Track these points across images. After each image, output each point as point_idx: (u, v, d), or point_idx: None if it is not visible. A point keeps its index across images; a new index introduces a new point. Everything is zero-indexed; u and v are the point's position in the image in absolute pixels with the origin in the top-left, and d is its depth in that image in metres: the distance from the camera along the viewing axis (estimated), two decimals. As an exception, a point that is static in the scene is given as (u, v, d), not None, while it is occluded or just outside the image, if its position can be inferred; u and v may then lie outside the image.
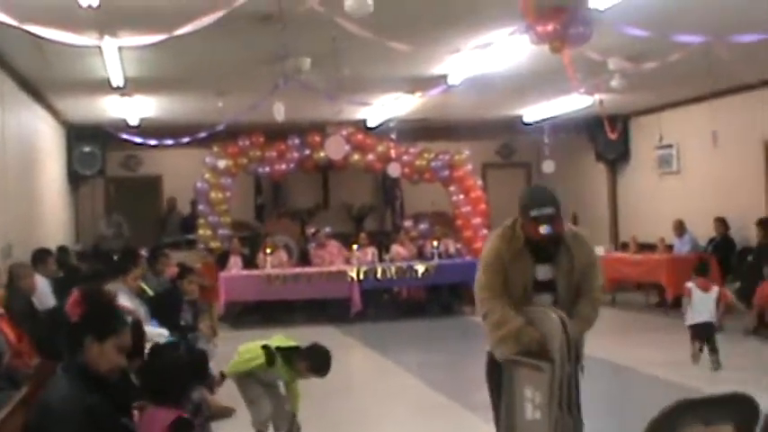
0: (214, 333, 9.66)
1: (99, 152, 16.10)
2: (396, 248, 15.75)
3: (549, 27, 8.11)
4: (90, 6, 7.05)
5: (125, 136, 14.86)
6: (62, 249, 12.16)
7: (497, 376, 4.84)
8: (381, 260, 15.52)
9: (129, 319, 4.26)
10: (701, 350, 9.36)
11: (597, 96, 13.05)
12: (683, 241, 14.69)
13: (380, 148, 16.40)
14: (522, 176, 19.67)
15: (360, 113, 15.32)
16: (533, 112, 16.47)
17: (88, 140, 15.94)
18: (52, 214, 14.04)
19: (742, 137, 14.06)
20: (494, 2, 8.29)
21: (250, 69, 10.95)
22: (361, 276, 14.55)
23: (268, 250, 14.93)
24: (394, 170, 16.37)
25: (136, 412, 3.89)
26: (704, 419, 2.96)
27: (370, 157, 16.38)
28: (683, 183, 16.08)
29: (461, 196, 16.83)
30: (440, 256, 15.42)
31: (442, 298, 15.52)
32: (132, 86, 11.72)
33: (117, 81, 10.98)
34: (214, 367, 7.09)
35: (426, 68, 11.46)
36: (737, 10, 8.77)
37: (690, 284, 9.50)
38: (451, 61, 10.82)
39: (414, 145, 16.86)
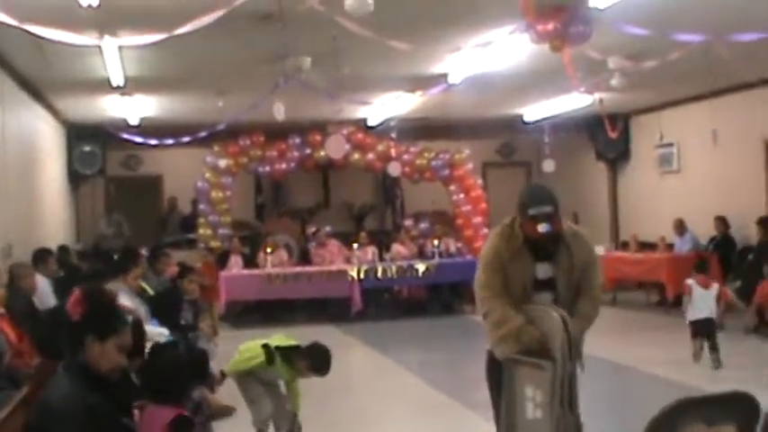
0: (215, 332, 9.65)
1: (99, 152, 16.11)
2: (396, 247, 15.75)
3: (550, 26, 8.11)
4: (90, 6, 7.05)
5: (125, 135, 14.88)
6: (62, 249, 12.18)
7: (497, 375, 4.84)
8: (382, 259, 15.53)
9: (130, 318, 4.25)
10: (701, 348, 9.36)
11: (597, 95, 13.05)
12: (683, 240, 14.68)
13: (381, 148, 16.40)
14: (523, 175, 19.66)
15: (360, 112, 15.31)
16: (533, 111, 16.48)
17: (88, 140, 15.95)
18: (52, 214, 14.04)
19: (742, 135, 14.06)
20: (494, 1, 8.29)
21: (250, 69, 10.95)
22: (362, 275, 14.55)
23: (268, 249, 14.94)
24: (394, 169, 16.37)
25: (136, 412, 3.90)
26: (705, 418, 2.96)
27: (371, 156, 16.38)
28: (683, 181, 16.08)
29: (462, 195, 16.83)
30: (440, 255, 15.43)
31: (442, 297, 15.52)
32: (132, 86, 11.72)
33: (117, 80, 10.99)
34: (215, 367, 7.09)
35: (427, 67, 11.46)
36: (737, 9, 8.77)
37: (690, 281, 9.51)
38: (452, 60, 10.81)
39: (414, 144, 16.86)
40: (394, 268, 14.81)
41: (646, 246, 15.61)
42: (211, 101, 12.99)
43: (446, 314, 14.97)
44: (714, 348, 9.24)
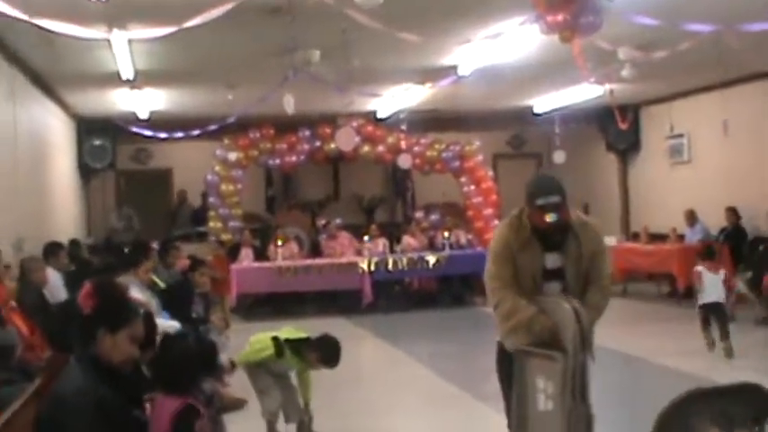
0: (226, 325, 9.66)
1: (109, 145, 16.16)
2: (407, 239, 15.76)
3: (560, 17, 8.07)
4: (99, -1, 7.07)
5: (135, 129, 14.89)
6: (73, 243, 12.21)
7: (508, 366, 4.84)
8: (392, 251, 15.54)
9: (141, 311, 4.26)
10: (712, 338, 9.35)
11: (607, 86, 13.02)
12: (694, 231, 14.65)
13: (391, 140, 16.40)
14: (533, 167, 19.59)
15: (370, 105, 15.31)
16: (544, 102, 16.44)
17: (98, 134, 15.99)
18: (63, 208, 14.09)
19: (753, 126, 14.00)
20: (503, -8, 8.28)
21: (260, 62, 10.96)
22: (372, 267, 14.57)
23: (279, 242, 14.95)
24: (404, 161, 16.37)
25: (148, 405, 3.91)
26: (715, 410, 2.96)
27: (381, 148, 16.38)
28: (694, 172, 16.03)
29: (472, 187, 16.82)
30: (451, 246, 15.42)
31: (453, 289, 15.52)
32: (142, 79, 11.74)
33: (127, 74, 11.00)
34: (226, 360, 7.11)
35: (436, 59, 11.44)
36: (748, -2, 8.73)
37: (699, 268, 9.56)
38: (461, 52, 10.79)
39: (424, 136, 16.85)
40: (404, 260, 14.82)
41: (656, 237, 15.57)
42: (221, 94, 12.99)
43: (457, 306, 14.97)
44: (725, 335, 9.23)
